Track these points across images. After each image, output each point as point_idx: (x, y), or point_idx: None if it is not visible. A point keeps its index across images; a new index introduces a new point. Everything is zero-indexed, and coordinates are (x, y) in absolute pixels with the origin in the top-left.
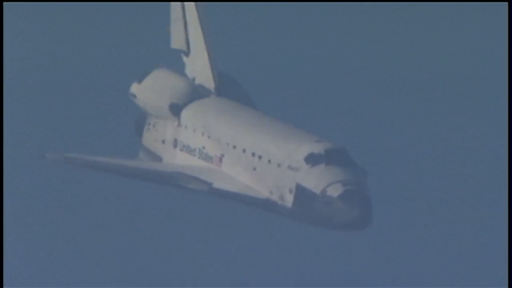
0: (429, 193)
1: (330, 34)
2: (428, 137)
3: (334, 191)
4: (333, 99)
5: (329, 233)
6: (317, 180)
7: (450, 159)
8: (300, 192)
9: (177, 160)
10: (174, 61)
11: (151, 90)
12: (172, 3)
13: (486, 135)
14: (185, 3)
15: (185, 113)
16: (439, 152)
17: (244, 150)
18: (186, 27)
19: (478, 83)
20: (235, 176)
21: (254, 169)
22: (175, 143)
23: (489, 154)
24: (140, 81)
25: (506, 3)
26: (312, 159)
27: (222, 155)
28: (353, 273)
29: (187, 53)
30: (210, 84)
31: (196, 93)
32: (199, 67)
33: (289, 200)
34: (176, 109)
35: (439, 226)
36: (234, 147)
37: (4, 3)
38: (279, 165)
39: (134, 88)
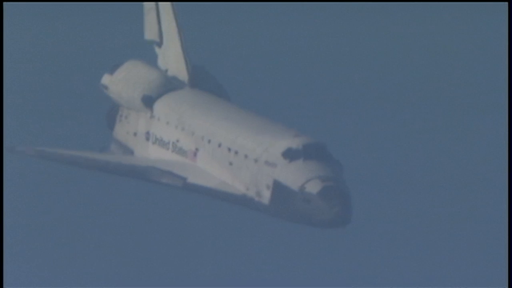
0: (429, 193)
1: (333, 36)
2: (425, 136)
3: (313, 188)
4: (334, 94)
5: (307, 230)
6: (295, 176)
7: (450, 159)
8: (278, 188)
9: (150, 153)
10: (146, 53)
11: (123, 81)
12: None
13: (486, 135)
14: None
15: (158, 105)
16: (439, 152)
17: (219, 145)
18: (159, 17)
19: (478, 83)
20: (211, 171)
21: (230, 164)
22: (148, 135)
23: (489, 154)
24: (112, 73)
25: (506, 3)
26: (290, 154)
27: (197, 149)
28: (352, 272)
29: (159, 44)
30: (183, 76)
31: (169, 85)
32: (172, 58)
33: (266, 196)
34: (148, 101)
35: (439, 226)
36: (209, 141)
37: (4, 3)
38: (256, 160)
39: (106, 79)
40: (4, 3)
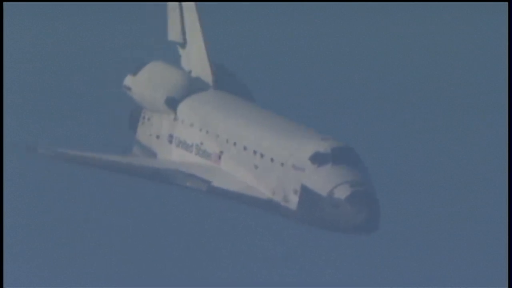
0: (429, 193)
1: (333, 36)
2: (425, 136)
3: (342, 193)
4: (335, 94)
5: (335, 236)
6: (323, 181)
7: (450, 159)
8: (306, 193)
9: (173, 156)
10: (170, 54)
11: (147, 83)
12: None
13: (486, 135)
14: None
15: (182, 107)
16: (439, 152)
17: (245, 148)
18: (183, 17)
19: (478, 83)
20: (235, 174)
21: (256, 167)
22: (171, 138)
23: (489, 154)
24: (135, 74)
25: (506, 3)
26: (318, 159)
27: (221, 152)
28: (352, 272)
29: (183, 45)
30: (207, 77)
31: (193, 86)
32: (195, 59)
33: (293, 201)
34: (172, 103)
35: (439, 226)
36: (235, 144)
37: (4, 3)
38: (282, 164)
39: (129, 80)
40: (4, 3)
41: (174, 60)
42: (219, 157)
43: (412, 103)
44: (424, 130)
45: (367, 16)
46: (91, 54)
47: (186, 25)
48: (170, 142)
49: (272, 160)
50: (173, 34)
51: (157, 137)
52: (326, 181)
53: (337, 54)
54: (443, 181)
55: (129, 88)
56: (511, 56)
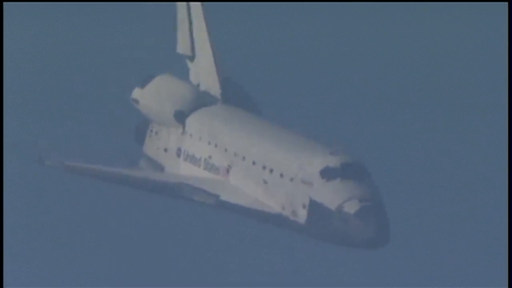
0: (429, 193)
1: (333, 36)
2: (425, 136)
3: (351, 208)
4: (334, 94)
5: (343, 250)
6: (332, 195)
7: (450, 159)
8: (314, 208)
9: (181, 170)
10: (178, 67)
11: (155, 96)
12: (178, 3)
13: (486, 135)
14: (191, 3)
15: (190, 121)
16: (439, 152)
17: (254, 162)
18: (192, 30)
19: (478, 83)
20: (244, 189)
21: (265, 182)
22: (179, 152)
23: (489, 154)
24: (142, 86)
25: (506, 3)
26: (327, 173)
27: (230, 166)
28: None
29: (192, 58)
30: (215, 90)
31: (201, 100)
32: (204, 72)
33: (302, 215)
34: (181, 117)
35: (439, 226)
36: (243, 158)
37: (4, 3)
38: (292, 179)
39: (137, 93)
40: (4, 3)
41: (182, 72)
42: (228, 171)
43: (412, 103)
44: (424, 130)
45: (367, 16)
46: (91, 54)
47: (195, 38)
48: (178, 155)
49: (281, 175)
50: (182, 47)
51: (165, 150)
52: (335, 196)
53: (337, 54)
54: (443, 181)
55: (137, 101)
56: (511, 56)
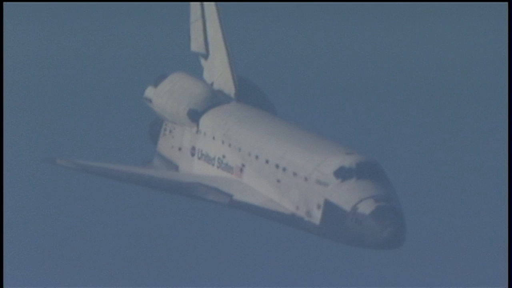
0: (429, 192)
1: (349, 39)
2: (425, 136)
3: (366, 208)
4: (356, 107)
5: (359, 251)
6: (347, 195)
7: (450, 159)
8: (329, 208)
9: (195, 169)
10: (192, 65)
11: (168, 94)
12: (192, 2)
13: (486, 135)
14: (205, 2)
15: (204, 120)
16: (439, 152)
17: (267, 161)
18: (205, 28)
19: (478, 83)
20: (257, 188)
21: (278, 181)
22: (193, 151)
23: (489, 154)
24: (156, 85)
25: (506, 3)
26: (342, 173)
27: (243, 166)
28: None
29: (206, 56)
30: (230, 89)
31: (215, 99)
32: (218, 71)
33: (316, 216)
34: (195, 116)
35: (439, 226)
36: (257, 157)
37: (4, 3)
38: (306, 179)
39: (150, 92)
40: (4, 3)
41: (196, 71)
42: (241, 170)
43: (412, 103)
44: (424, 130)
45: (367, 16)
46: (107, 55)
47: (209, 36)
48: (193, 154)
49: (295, 174)
50: (196, 45)
51: (179, 149)
52: (350, 196)
53: (336, 54)
54: (443, 181)
55: (150, 100)
56: (511, 56)
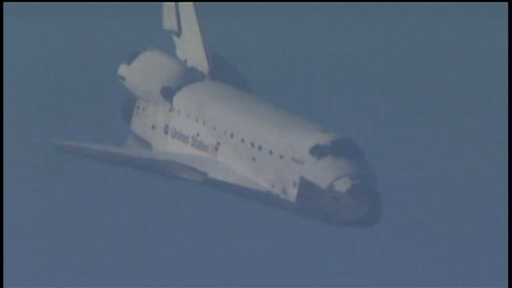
0: (429, 192)
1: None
2: (425, 136)
3: (342, 186)
4: (331, 88)
5: (334, 229)
6: (323, 173)
7: (451, 159)
8: (305, 186)
9: (168, 147)
10: (165, 43)
11: (141, 72)
12: None
13: (486, 135)
14: None
15: (178, 98)
16: (441, 151)
17: (242, 140)
18: (178, 5)
19: (478, 83)
20: (233, 166)
21: (254, 160)
22: (166, 129)
23: (489, 154)
24: (129, 63)
25: (506, 3)
26: (317, 151)
27: (218, 144)
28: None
29: (178, 34)
30: (203, 66)
31: (189, 76)
32: (191, 48)
33: (292, 194)
34: (168, 93)
35: (439, 226)
36: (232, 135)
37: (4, 3)
38: (281, 157)
39: (123, 70)
40: (4, 3)
41: (169, 49)
42: (216, 149)
43: (412, 103)
44: (424, 130)
45: (367, 16)
46: (77, 33)
47: (181, 13)
48: (166, 133)
49: (270, 152)
50: (168, 22)
51: (152, 127)
52: (326, 174)
53: (336, 54)
54: (442, 181)
55: (123, 78)
56: (511, 56)
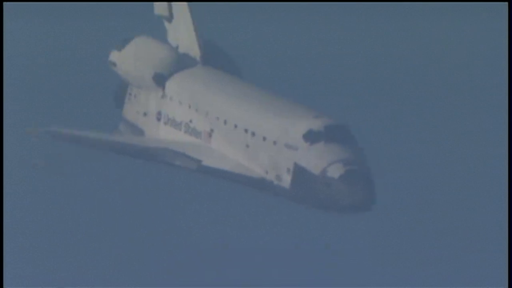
0: (429, 192)
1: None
2: (425, 136)
3: (335, 172)
4: (331, 88)
5: (328, 215)
6: (316, 159)
7: (451, 158)
8: (298, 172)
9: (161, 134)
10: (156, 29)
11: (133, 58)
12: None
13: (486, 135)
14: None
15: (170, 84)
16: (441, 151)
17: (235, 126)
18: None
19: (478, 83)
20: (226, 153)
21: (247, 146)
22: (159, 115)
23: (489, 154)
24: (120, 49)
25: (506, 3)
26: (311, 137)
27: (212, 130)
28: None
29: (169, 19)
30: (195, 52)
31: (181, 62)
32: (183, 34)
33: (286, 180)
34: (160, 79)
35: (439, 226)
36: (225, 122)
37: (4, 3)
38: (274, 143)
39: (114, 56)
40: (4, 3)
41: (160, 35)
42: (210, 135)
43: (412, 104)
44: (424, 130)
45: (367, 16)
46: (69, 19)
47: None
48: (158, 119)
49: (264, 138)
50: (159, 7)
51: (145, 114)
52: (319, 160)
53: (336, 54)
54: (442, 181)
55: (114, 64)
56: (511, 56)
